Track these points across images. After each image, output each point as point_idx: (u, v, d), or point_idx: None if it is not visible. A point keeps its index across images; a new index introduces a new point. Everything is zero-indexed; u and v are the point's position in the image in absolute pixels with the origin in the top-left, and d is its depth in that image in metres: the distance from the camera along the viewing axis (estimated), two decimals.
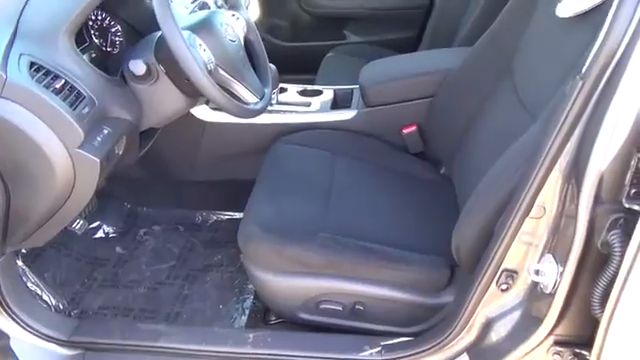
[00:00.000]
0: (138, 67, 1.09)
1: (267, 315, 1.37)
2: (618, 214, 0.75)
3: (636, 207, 0.72)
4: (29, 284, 1.32)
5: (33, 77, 0.95)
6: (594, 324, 0.81)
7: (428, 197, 1.43)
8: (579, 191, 0.78)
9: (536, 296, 0.91)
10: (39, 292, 1.33)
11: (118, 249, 1.63)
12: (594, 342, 0.80)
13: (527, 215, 0.86)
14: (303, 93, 1.71)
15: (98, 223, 1.67)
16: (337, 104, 1.68)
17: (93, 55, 1.24)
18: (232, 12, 1.30)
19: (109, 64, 1.26)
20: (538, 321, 0.90)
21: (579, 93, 0.75)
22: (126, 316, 1.42)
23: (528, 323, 0.93)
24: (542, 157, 0.83)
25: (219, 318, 1.41)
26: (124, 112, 1.10)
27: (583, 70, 0.78)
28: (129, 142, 1.16)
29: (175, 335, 1.16)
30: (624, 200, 0.74)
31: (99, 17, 1.29)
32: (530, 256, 0.91)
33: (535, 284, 0.90)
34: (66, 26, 1.02)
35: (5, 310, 1.08)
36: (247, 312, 1.41)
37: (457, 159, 1.41)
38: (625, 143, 0.72)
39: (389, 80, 1.59)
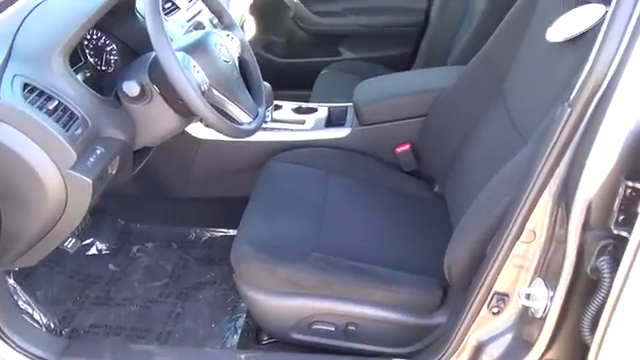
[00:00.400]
0: (132, 88, 1.09)
1: (259, 335, 1.36)
2: (607, 240, 0.75)
3: (624, 234, 0.73)
4: (20, 302, 1.31)
5: (26, 98, 0.95)
6: (584, 349, 0.81)
7: (421, 216, 1.43)
8: (568, 217, 0.78)
9: (527, 320, 0.91)
10: (30, 311, 1.32)
11: (111, 266, 1.62)
12: None
13: (517, 239, 0.87)
14: (298, 111, 1.71)
15: (91, 240, 1.66)
16: (331, 122, 1.69)
17: (87, 74, 1.25)
18: (227, 32, 1.31)
19: (103, 83, 1.27)
20: (529, 345, 0.90)
21: (567, 120, 0.76)
22: (118, 335, 1.41)
23: (519, 347, 0.93)
24: (532, 181, 0.84)
25: (211, 337, 1.40)
26: (118, 132, 1.11)
27: (571, 97, 0.78)
28: (122, 161, 1.16)
29: (167, 356, 1.15)
30: (612, 226, 0.74)
31: (94, 36, 1.29)
32: (521, 279, 0.91)
33: (526, 308, 0.90)
34: (60, 47, 1.02)
35: None
36: (239, 331, 1.40)
37: (450, 178, 1.42)
38: (613, 171, 0.73)
39: (382, 99, 1.60)
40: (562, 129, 0.77)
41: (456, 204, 1.33)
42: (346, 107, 1.70)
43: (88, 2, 1.12)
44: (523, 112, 1.16)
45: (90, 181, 0.98)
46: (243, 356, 1.13)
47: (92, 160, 1.01)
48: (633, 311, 0.75)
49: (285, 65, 2.48)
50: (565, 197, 0.80)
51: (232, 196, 1.54)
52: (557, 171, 0.81)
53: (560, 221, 0.83)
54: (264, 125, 1.51)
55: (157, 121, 1.19)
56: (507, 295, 0.93)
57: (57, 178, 0.97)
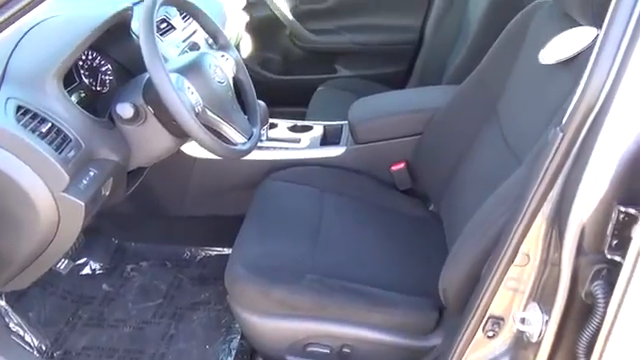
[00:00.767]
0: (125, 110, 1.10)
1: (254, 356, 1.35)
2: (601, 265, 0.75)
3: (618, 258, 0.72)
4: (11, 325, 1.29)
5: (19, 121, 0.95)
6: None
7: (417, 235, 1.42)
8: (562, 241, 0.78)
9: (522, 344, 0.90)
10: (21, 333, 1.30)
11: (104, 286, 1.61)
12: None
13: (512, 263, 0.86)
14: (293, 129, 1.72)
15: (85, 259, 1.65)
16: (327, 140, 1.69)
17: (82, 95, 1.25)
18: (222, 53, 1.31)
19: (98, 104, 1.27)
20: None
21: (559, 145, 0.76)
22: (110, 357, 1.39)
23: None
24: (526, 205, 0.84)
25: (205, 359, 1.38)
26: (111, 153, 1.10)
27: (563, 121, 0.78)
28: (116, 182, 1.15)
29: None
30: (606, 251, 0.74)
31: (89, 56, 1.30)
32: (516, 303, 0.90)
33: (521, 332, 0.89)
34: (54, 70, 1.02)
35: None
36: (234, 353, 1.38)
37: (445, 197, 1.42)
38: (605, 195, 0.73)
39: (377, 117, 1.61)
40: (554, 154, 0.77)
41: (451, 223, 1.32)
42: (341, 125, 1.71)
43: (83, 24, 1.13)
44: (517, 133, 1.17)
45: (83, 204, 0.98)
46: None
47: (85, 182, 1.01)
48: (628, 336, 0.74)
49: (281, 82, 2.49)
50: (558, 221, 0.80)
51: (227, 214, 1.54)
52: (550, 194, 0.81)
53: (554, 245, 0.82)
54: (260, 144, 1.51)
55: (151, 142, 1.19)
56: (502, 319, 0.92)
57: (49, 201, 0.97)
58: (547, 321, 0.83)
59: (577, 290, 0.79)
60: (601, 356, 0.75)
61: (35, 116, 0.98)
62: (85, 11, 1.20)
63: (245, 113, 1.33)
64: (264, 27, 2.43)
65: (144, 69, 1.12)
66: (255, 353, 1.35)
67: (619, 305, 0.72)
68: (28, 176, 0.94)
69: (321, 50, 2.47)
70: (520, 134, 1.14)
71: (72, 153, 1.00)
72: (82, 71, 1.28)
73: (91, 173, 1.04)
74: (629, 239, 0.71)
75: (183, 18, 1.62)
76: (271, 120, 1.67)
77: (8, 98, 0.96)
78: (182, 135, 1.18)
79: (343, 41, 2.44)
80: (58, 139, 0.99)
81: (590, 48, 0.93)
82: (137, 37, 1.30)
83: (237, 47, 2.36)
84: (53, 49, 1.05)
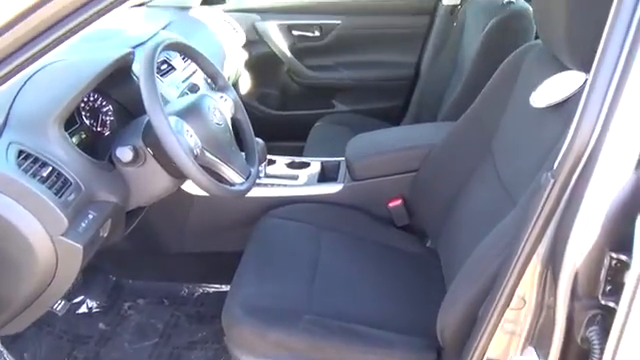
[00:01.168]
0: (125, 154, 1.11)
1: None
2: (595, 310, 0.75)
3: (612, 304, 0.73)
4: None
5: (20, 166, 0.97)
6: None
7: (415, 273, 1.42)
8: (556, 286, 0.78)
9: None
10: None
11: (101, 325, 1.59)
12: None
13: (508, 306, 0.86)
14: (291, 165, 1.73)
15: (82, 298, 1.64)
16: (324, 176, 1.71)
17: (83, 136, 1.27)
18: (220, 94, 1.34)
19: (98, 145, 1.29)
20: None
21: (551, 191, 0.77)
22: None
23: None
24: (520, 248, 0.84)
25: None
26: (110, 195, 1.12)
27: (555, 166, 0.80)
28: (114, 223, 1.16)
29: None
30: (600, 297, 0.74)
31: (91, 98, 1.32)
32: (513, 346, 0.90)
33: None
34: (56, 115, 1.05)
35: None
36: None
37: (442, 234, 1.42)
38: (597, 241, 0.74)
39: (374, 154, 1.63)
40: (546, 199, 0.78)
41: (449, 261, 1.33)
42: (339, 162, 1.73)
43: (85, 69, 1.16)
44: (511, 172, 1.18)
45: (81, 247, 0.99)
46: None
47: (84, 225, 1.02)
48: None
49: (279, 117, 2.52)
50: (552, 264, 0.81)
51: (225, 251, 1.54)
52: (544, 238, 0.82)
53: (549, 288, 0.83)
54: (258, 180, 1.52)
55: (150, 182, 1.20)
56: None
57: (48, 245, 0.97)
58: None
59: (573, 335, 0.79)
60: None
61: (36, 160, 1.00)
62: (88, 55, 1.23)
63: (243, 152, 1.35)
64: (263, 64, 2.48)
65: (144, 110, 1.15)
66: None
67: (614, 352, 0.72)
68: (27, 221, 0.95)
69: (318, 86, 2.51)
70: (514, 174, 1.16)
71: (72, 197, 1.01)
72: (83, 113, 1.30)
73: (90, 216, 1.05)
74: (622, 285, 0.71)
75: (183, 59, 1.66)
76: (269, 156, 1.69)
77: (10, 143, 0.98)
78: (181, 176, 1.19)
79: (340, 77, 2.49)
80: (58, 183, 1.00)
81: (579, 93, 0.95)
82: (138, 79, 1.33)
83: (236, 83, 2.40)
84: (55, 94, 1.08)
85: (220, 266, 1.53)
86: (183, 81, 1.59)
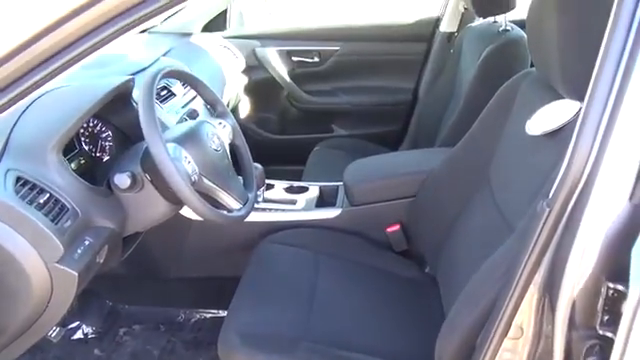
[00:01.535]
0: (123, 180, 1.12)
1: None
2: (593, 340, 0.74)
3: (609, 334, 0.72)
4: None
5: (18, 192, 0.97)
6: None
7: (413, 299, 1.42)
8: (554, 315, 0.78)
9: None
10: None
11: (96, 351, 1.58)
12: None
13: (506, 335, 0.86)
14: (289, 190, 1.74)
15: (77, 323, 1.63)
16: (323, 201, 1.71)
17: (82, 162, 1.27)
18: (219, 120, 1.35)
19: (97, 170, 1.29)
20: None
21: (546, 220, 0.77)
22: None
23: None
24: (517, 277, 0.84)
25: None
26: (107, 221, 1.12)
27: (550, 194, 0.80)
28: (111, 249, 1.16)
29: None
30: (598, 327, 0.74)
31: (90, 124, 1.33)
32: None
33: None
34: (55, 141, 1.05)
35: None
36: None
37: (441, 260, 1.42)
38: (594, 271, 0.73)
39: (372, 180, 1.63)
40: (542, 228, 0.78)
41: (447, 288, 1.32)
42: (337, 187, 1.73)
43: (85, 96, 1.17)
44: (508, 199, 1.18)
45: (76, 274, 0.98)
46: None
47: (79, 252, 1.02)
48: None
49: (278, 141, 2.54)
50: (549, 293, 0.80)
51: (223, 276, 1.53)
52: (541, 267, 0.81)
53: (547, 318, 0.82)
54: (256, 205, 1.52)
55: (148, 208, 1.20)
56: None
57: (43, 271, 0.97)
58: None
59: None
60: None
61: (34, 187, 1.00)
62: (88, 82, 1.25)
63: (241, 176, 1.36)
64: (262, 89, 2.51)
65: (143, 136, 1.15)
66: None
67: None
68: (23, 247, 0.95)
69: (317, 110, 2.54)
70: (511, 201, 1.16)
71: (68, 223, 1.01)
72: (83, 138, 1.31)
73: (86, 242, 1.04)
74: (620, 315, 0.71)
75: (183, 85, 1.67)
76: (268, 181, 1.69)
77: (8, 170, 0.98)
78: (178, 202, 1.19)
79: (339, 102, 2.52)
80: (55, 209, 1.01)
81: (574, 121, 0.96)
82: (137, 105, 1.34)
83: (236, 108, 2.42)
84: (55, 121, 1.08)
85: (217, 291, 1.53)
86: (182, 107, 1.60)
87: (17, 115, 1.08)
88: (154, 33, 2.13)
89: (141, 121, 1.05)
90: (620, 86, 0.72)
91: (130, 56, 1.69)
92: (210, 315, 1.73)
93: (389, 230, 1.59)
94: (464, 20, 2.29)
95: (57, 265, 0.97)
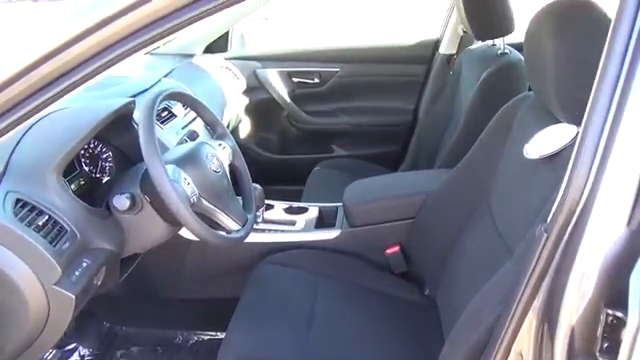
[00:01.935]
0: (122, 202, 1.12)
1: None
2: None
3: None
4: None
5: (17, 214, 0.97)
6: None
7: (413, 321, 1.40)
8: (553, 342, 0.77)
9: None
10: None
11: None
12: None
13: None
14: (289, 210, 1.74)
15: (74, 345, 1.61)
16: (322, 222, 1.71)
17: (82, 183, 1.28)
18: (219, 141, 1.36)
19: (96, 191, 1.30)
20: None
21: (544, 245, 0.77)
22: None
23: None
24: (516, 301, 0.84)
25: None
26: (106, 243, 1.12)
27: (548, 219, 0.80)
28: (109, 271, 1.16)
29: None
30: (597, 354, 0.73)
31: (91, 145, 1.34)
32: None
33: None
34: (55, 164, 1.06)
35: None
36: None
37: (440, 282, 1.41)
38: (592, 297, 0.73)
39: (372, 201, 1.64)
40: (540, 253, 0.78)
41: (447, 311, 1.31)
42: (336, 207, 1.73)
43: (86, 118, 1.18)
44: (507, 222, 1.18)
45: (73, 297, 0.98)
46: None
47: (77, 274, 1.01)
48: None
49: (279, 161, 2.55)
50: (548, 320, 0.80)
51: (221, 297, 1.52)
52: (540, 293, 0.81)
53: (546, 344, 0.81)
54: (255, 226, 1.52)
55: (146, 230, 1.20)
56: None
57: (40, 294, 0.97)
58: None
59: None
60: None
61: (33, 209, 1.00)
62: (89, 104, 1.26)
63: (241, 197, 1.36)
64: (263, 109, 2.53)
65: (143, 158, 1.16)
66: None
67: None
68: (20, 269, 0.95)
69: (317, 131, 2.55)
70: (510, 224, 1.16)
71: (67, 245, 1.01)
72: (83, 159, 1.32)
73: (84, 264, 1.04)
74: (619, 342, 0.70)
75: (184, 106, 1.69)
76: (267, 201, 1.69)
77: (8, 192, 0.98)
78: (177, 224, 1.20)
79: (339, 122, 2.53)
80: (54, 231, 1.01)
81: (571, 145, 0.97)
82: (138, 126, 1.35)
83: (237, 128, 2.44)
84: (55, 143, 1.09)
85: (216, 313, 1.51)
86: (183, 128, 1.62)
87: (18, 137, 1.09)
88: (156, 54, 2.15)
89: (141, 143, 1.06)
90: (616, 111, 0.72)
91: (132, 77, 1.71)
92: (208, 337, 1.71)
93: (389, 251, 1.58)
94: (463, 43, 2.31)
95: (54, 287, 0.97)
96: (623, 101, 0.72)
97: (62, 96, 0.82)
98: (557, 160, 1.02)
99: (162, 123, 1.55)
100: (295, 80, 2.51)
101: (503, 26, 1.78)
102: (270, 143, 2.58)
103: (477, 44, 2.09)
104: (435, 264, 1.44)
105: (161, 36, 0.81)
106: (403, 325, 1.38)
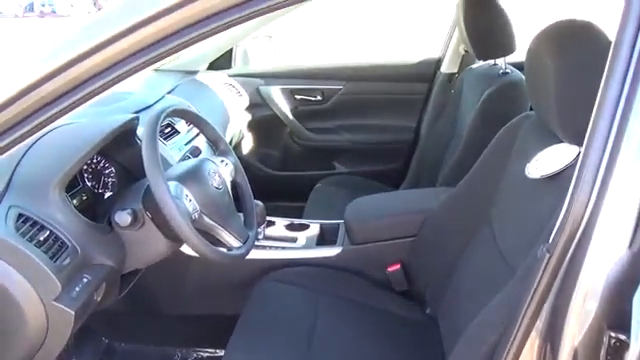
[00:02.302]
0: (124, 218, 1.12)
1: None
2: None
3: None
4: None
5: (19, 230, 0.97)
6: None
7: (414, 341, 1.39)
8: None
9: None
10: None
11: None
12: None
13: None
14: (290, 227, 1.73)
15: None
16: (323, 239, 1.70)
17: (84, 198, 1.28)
18: (221, 158, 1.36)
19: (98, 206, 1.30)
20: None
21: (546, 266, 0.77)
22: None
23: None
24: (519, 321, 0.83)
25: None
26: (106, 259, 1.11)
27: (550, 239, 0.80)
28: (109, 287, 1.15)
29: None
30: None
31: (94, 160, 1.35)
32: None
33: None
34: (57, 179, 1.06)
35: None
36: None
37: (442, 301, 1.40)
38: (595, 319, 0.72)
39: (373, 218, 1.63)
40: (542, 273, 0.77)
41: (448, 330, 1.30)
42: (338, 224, 1.73)
43: (90, 134, 1.19)
44: (509, 241, 1.18)
45: (73, 313, 0.98)
46: None
47: (77, 290, 1.01)
48: None
49: (280, 178, 2.56)
50: (551, 341, 0.79)
51: (221, 314, 1.51)
52: (542, 313, 0.80)
53: None
54: (257, 242, 1.52)
55: (147, 246, 1.20)
56: None
57: (39, 309, 0.96)
58: None
59: None
60: None
61: (35, 224, 1.01)
62: (93, 120, 1.27)
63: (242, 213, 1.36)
64: (265, 125, 2.54)
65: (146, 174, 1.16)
66: None
67: None
68: (20, 284, 0.95)
69: (319, 148, 2.56)
70: (512, 243, 1.15)
71: (67, 261, 1.01)
72: (86, 175, 1.32)
73: (84, 280, 1.04)
74: None
75: (187, 122, 1.70)
76: (268, 218, 1.69)
77: (10, 207, 0.99)
78: (178, 240, 1.19)
79: (341, 139, 2.54)
80: (55, 246, 1.01)
81: (573, 165, 0.97)
82: (141, 142, 1.36)
83: (239, 144, 2.45)
84: (59, 158, 1.10)
85: (216, 330, 1.50)
86: (186, 144, 1.62)
87: (21, 152, 1.09)
88: (160, 71, 2.17)
89: (144, 160, 1.07)
90: (618, 132, 0.73)
91: (135, 93, 1.72)
92: (207, 354, 1.69)
93: (390, 269, 1.57)
94: (464, 62, 2.33)
95: (54, 303, 0.97)
96: (624, 122, 0.72)
97: (67, 112, 0.83)
98: (559, 180, 1.02)
99: (165, 139, 1.56)
100: (298, 97, 2.53)
101: (504, 46, 1.80)
102: (272, 160, 2.59)
103: (478, 63, 2.11)
104: (436, 283, 1.43)
105: (167, 54, 0.82)
106: (404, 344, 1.37)
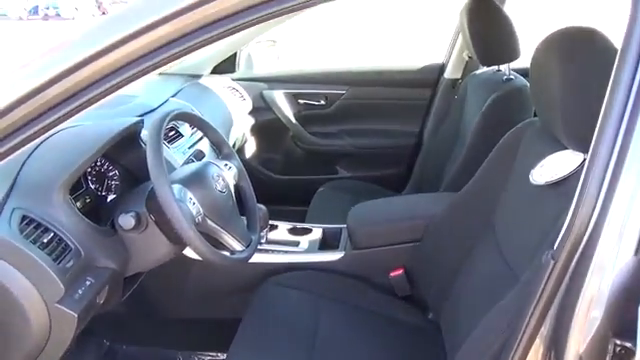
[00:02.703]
0: (127, 221, 1.12)
1: None
2: None
3: None
4: None
5: (22, 231, 0.97)
6: None
7: (416, 346, 1.39)
8: None
9: None
10: None
11: None
12: None
13: None
14: (292, 231, 1.73)
15: None
16: (326, 243, 1.70)
17: (87, 200, 1.28)
18: (225, 162, 1.36)
19: (102, 209, 1.30)
20: None
21: (551, 272, 0.76)
22: None
23: None
24: (523, 328, 0.83)
25: None
26: (109, 261, 1.11)
27: (555, 246, 0.80)
28: (112, 290, 1.15)
29: None
30: None
31: (98, 163, 1.35)
32: None
33: None
34: (62, 182, 1.06)
35: None
36: None
37: (444, 307, 1.40)
38: (600, 326, 0.72)
39: (376, 223, 1.63)
40: (547, 280, 0.77)
41: (451, 336, 1.30)
42: (340, 229, 1.73)
43: (94, 137, 1.19)
44: (512, 247, 1.18)
45: (75, 315, 0.98)
46: None
47: (80, 292, 1.01)
48: None
49: (283, 182, 2.56)
50: (556, 348, 0.79)
51: (223, 317, 1.51)
52: (547, 320, 0.80)
53: None
54: (259, 246, 1.52)
55: (151, 249, 1.20)
56: None
57: (43, 312, 0.96)
58: None
59: None
60: None
61: (39, 226, 1.01)
62: (98, 122, 1.27)
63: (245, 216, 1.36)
64: (268, 129, 2.54)
65: (149, 177, 1.16)
66: None
67: None
68: (24, 287, 0.95)
69: (322, 152, 2.56)
70: (516, 249, 1.15)
71: (71, 263, 1.01)
72: (90, 177, 1.32)
73: (87, 282, 1.04)
74: None
75: (191, 126, 1.70)
76: (271, 222, 1.69)
77: (14, 209, 0.99)
78: (181, 243, 1.19)
79: (344, 144, 2.54)
80: (58, 249, 1.01)
81: (578, 172, 0.97)
82: (145, 145, 1.36)
83: (242, 148, 2.45)
84: (63, 161, 1.10)
85: (218, 333, 1.50)
86: (189, 147, 1.63)
87: (26, 154, 1.09)
88: (164, 74, 2.18)
89: (148, 163, 1.07)
90: (624, 139, 0.73)
91: (140, 97, 1.72)
92: (209, 358, 1.69)
93: (392, 275, 1.57)
94: (468, 67, 2.34)
95: (57, 305, 0.97)
96: (630, 129, 0.72)
97: (73, 116, 0.83)
98: (563, 186, 1.02)
99: (169, 142, 1.57)
100: (301, 102, 2.53)
101: (508, 52, 1.80)
102: (275, 164, 2.59)
103: (482, 69, 2.11)
104: (439, 288, 1.43)
105: (171, 59, 0.82)
106: (406, 349, 1.36)
